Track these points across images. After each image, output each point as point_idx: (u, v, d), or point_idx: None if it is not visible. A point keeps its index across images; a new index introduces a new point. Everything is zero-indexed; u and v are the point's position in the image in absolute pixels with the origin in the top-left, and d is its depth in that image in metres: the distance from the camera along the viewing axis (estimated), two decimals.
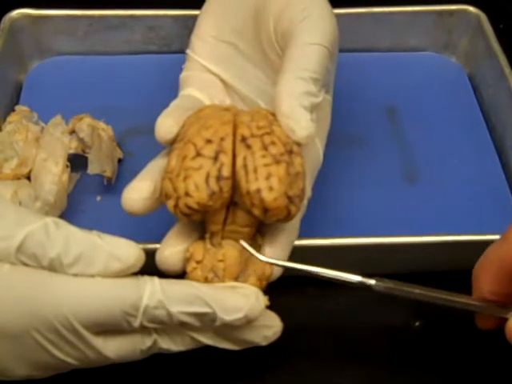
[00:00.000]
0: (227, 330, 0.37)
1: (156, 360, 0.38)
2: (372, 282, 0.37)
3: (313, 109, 0.39)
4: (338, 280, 0.37)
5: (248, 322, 0.36)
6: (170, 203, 0.36)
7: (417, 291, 0.37)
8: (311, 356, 0.43)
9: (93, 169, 0.48)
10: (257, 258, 0.37)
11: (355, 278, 0.37)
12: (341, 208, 0.49)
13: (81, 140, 0.49)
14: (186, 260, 0.38)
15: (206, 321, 0.35)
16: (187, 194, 0.35)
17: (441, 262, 0.39)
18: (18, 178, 0.47)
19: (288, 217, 0.36)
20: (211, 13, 0.47)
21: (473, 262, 0.38)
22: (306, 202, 0.41)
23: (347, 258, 0.40)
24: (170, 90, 0.46)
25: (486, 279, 0.37)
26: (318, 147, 0.43)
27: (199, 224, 0.39)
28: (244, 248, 0.37)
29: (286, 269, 0.39)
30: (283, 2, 0.43)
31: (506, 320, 0.36)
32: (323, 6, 0.43)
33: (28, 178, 0.47)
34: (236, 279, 0.37)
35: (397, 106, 0.57)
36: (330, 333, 0.44)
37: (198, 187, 0.35)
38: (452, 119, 0.56)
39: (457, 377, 0.42)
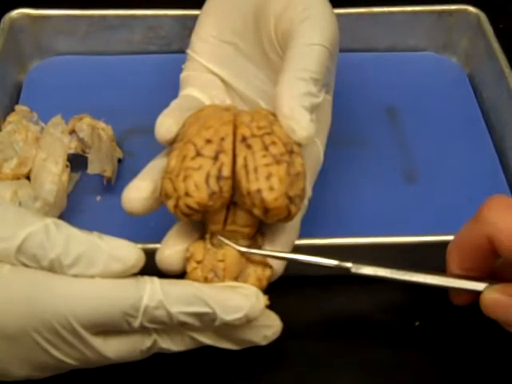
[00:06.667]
0: (227, 329, 0.36)
1: (156, 360, 0.38)
2: (349, 265, 0.38)
3: (313, 109, 0.39)
4: (316, 264, 0.38)
5: (248, 322, 0.36)
6: (170, 203, 0.36)
7: (392, 274, 0.38)
8: (311, 356, 0.43)
9: (93, 169, 0.48)
10: (234, 248, 0.37)
11: (332, 262, 0.38)
12: (341, 208, 0.49)
13: (81, 140, 0.49)
14: (186, 260, 0.38)
15: (206, 321, 0.35)
16: (187, 194, 0.35)
17: (441, 262, 0.39)
18: (18, 178, 0.47)
19: (288, 217, 0.36)
20: (212, 13, 0.47)
21: None
22: (306, 202, 0.41)
23: (347, 257, 0.40)
24: (170, 90, 0.46)
25: (458, 256, 0.38)
26: (319, 147, 0.43)
27: (199, 224, 0.39)
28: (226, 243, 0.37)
29: (285, 268, 0.39)
30: (284, 2, 0.43)
31: (478, 295, 0.38)
32: (324, 7, 0.43)
33: (28, 177, 0.47)
34: (236, 279, 0.37)
35: (397, 106, 0.57)
36: (329, 333, 0.44)
37: (198, 187, 0.35)
38: (452, 119, 0.56)
39: (457, 377, 0.42)
